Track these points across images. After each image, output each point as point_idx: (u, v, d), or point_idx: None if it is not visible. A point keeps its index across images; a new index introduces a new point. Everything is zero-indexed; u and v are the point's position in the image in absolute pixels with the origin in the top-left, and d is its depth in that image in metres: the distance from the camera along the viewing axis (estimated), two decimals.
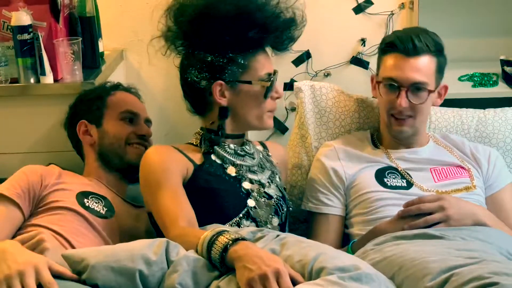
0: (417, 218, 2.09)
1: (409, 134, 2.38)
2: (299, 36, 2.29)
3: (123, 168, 2.40)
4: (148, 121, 2.52)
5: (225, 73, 2.17)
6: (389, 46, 2.34)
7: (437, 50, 2.32)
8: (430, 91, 2.30)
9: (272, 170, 2.29)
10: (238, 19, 2.14)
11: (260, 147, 2.36)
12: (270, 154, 2.37)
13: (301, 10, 2.25)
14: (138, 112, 2.48)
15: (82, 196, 2.24)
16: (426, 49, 2.29)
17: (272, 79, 2.19)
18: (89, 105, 2.45)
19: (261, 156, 2.30)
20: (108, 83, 2.56)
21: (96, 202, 2.25)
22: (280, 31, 2.22)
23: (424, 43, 2.28)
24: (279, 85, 2.24)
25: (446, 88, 2.40)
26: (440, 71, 2.34)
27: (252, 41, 2.17)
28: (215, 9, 2.15)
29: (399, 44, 2.30)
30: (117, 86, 2.54)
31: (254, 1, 2.17)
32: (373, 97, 2.53)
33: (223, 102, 2.19)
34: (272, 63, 2.24)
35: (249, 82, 2.18)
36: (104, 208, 2.26)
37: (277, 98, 2.24)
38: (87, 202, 2.23)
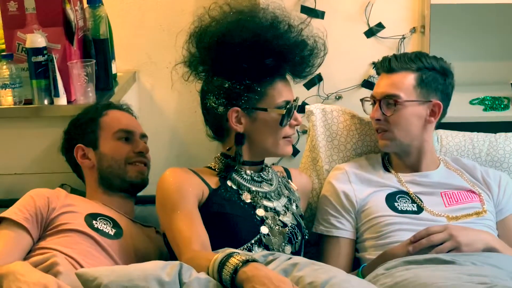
0: (429, 250, 2.09)
1: (394, 150, 2.41)
2: (319, 65, 2.30)
3: (126, 187, 2.40)
4: (144, 136, 2.50)
5: (242, 100, 2.18)
6: (377, 68, 2.48)
7: (420, 68, 2.37)
8: (396, 102, 2.33)
9: (289, 198, 2.29)
10: (255, 47, 2.15)
11: (281, 173, 2.37)
12: (291, 180, 2.38)
13: (322, 39, 2.27)
14: (133, 129, 2.45)
15: (90, 217, 2.24)
16: (402, 67, 2.38)
17: (288, 106, 2.19)
18: (83, 128, 2.44)
19: (279, 182, 2.31)
20: (99, 104, 2.54)
21: (104, 224, 2.25)
22: (298, 60, 2.23)
23: (401, 62, 2.39)
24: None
25: (439, 106, 2.39)
26: (423, 86, 2.37)
27: (269, 69, 2.17)
28: (231, 36, 2.16)
29: (380, 65, 2.44)
30: (108, 105, 2.52)
31: (272, 29, 2.18)
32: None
33: (239, 128, 2.20)
34: (291, 91, 2.24)
35: (265, 110, 2.18)
36: (113, 229, 2.25)
37: (296, 125, 2.24)
38: (96, 223, 2.23)
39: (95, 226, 2.22)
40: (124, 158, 2.39)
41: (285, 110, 2.18)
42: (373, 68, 2.51)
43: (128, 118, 2.50)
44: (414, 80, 2.36)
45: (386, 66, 2.40)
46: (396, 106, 2.34)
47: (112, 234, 2.24)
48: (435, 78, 2.39)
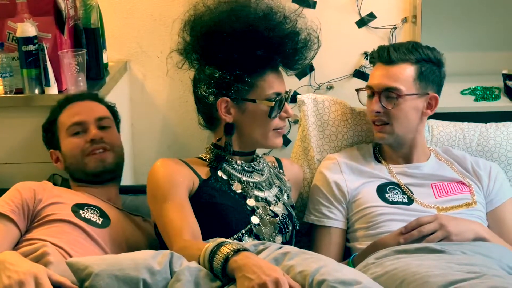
0: (420, 240, 2.09)
1: (389, 142, 2.40)
2: (312, 58, 2.29)
3: (90, 179, 2.37)
4: (100, 119, 2.41)
5: (231, 90, 2.17)
6: (372, 57, 2.43)
7: (418, 60, 2.35)
8: (398, 96, 2.32)
9: (280, 188, 2.29)
10: (246, 37, 2.14)
11: (272, 163, 2.37)
12: (282, 171, 2.38)
13: (316, 32, 2.26)
14: (84, 119, 2.38)
15: (77, 207, 2.23)
16: (401, 58, 2.34)
17: (278, 98, 2.18)
18: (47, 133, 2.44)
19: (271, 172, 2.31)
20: (59, 101, 2.47)
21: (92, 213, 2.24)
22: (290, 52, 2.22)
23: (400, 53, 2.35)
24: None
25: (436, 98, 2.39)
26: (422, 79, 2.35)
27: (260, 60, 2.17)
28: (222, 26, 2.15)
29: (377, 55, 2.39)
30: (67, 100, 2.46)
31: (264, 20, 2.17)
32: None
33: (228, 118, 2.19)
34: (283, 83, 2.23)
35: (254, 101, 2.18)
36: (100, 218, 2.25)
37: (287, 117, 2.23)
38: (83, 213, 2.22)
39: (82, 215, 2.21)
40: (79, 151, 2.36)
41: (274, 102, 2.18)
42: (365, 58, 2.49)
43: (80, 109, 2.42)
44: (414, 73, 2.34)
45: (385, 57, 2.36)
46: (398, 99, 2.33)
47: (100, 223, 2.23)
48: (432, 70, 2.37)
